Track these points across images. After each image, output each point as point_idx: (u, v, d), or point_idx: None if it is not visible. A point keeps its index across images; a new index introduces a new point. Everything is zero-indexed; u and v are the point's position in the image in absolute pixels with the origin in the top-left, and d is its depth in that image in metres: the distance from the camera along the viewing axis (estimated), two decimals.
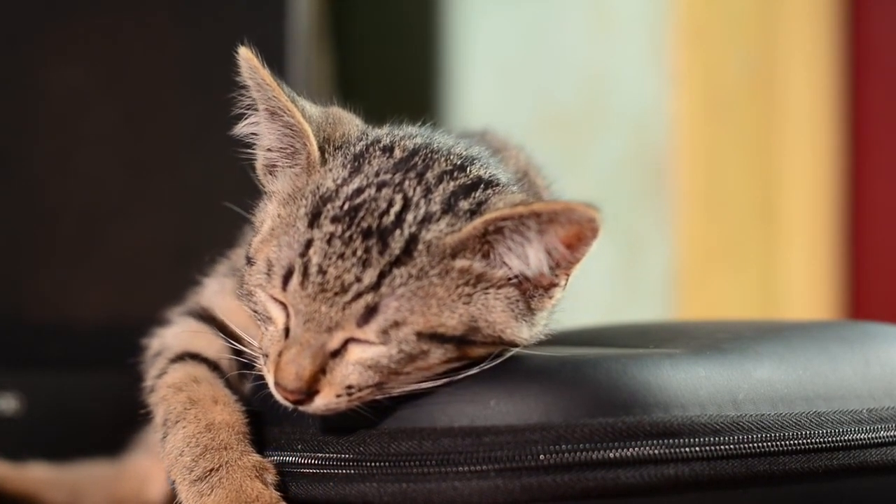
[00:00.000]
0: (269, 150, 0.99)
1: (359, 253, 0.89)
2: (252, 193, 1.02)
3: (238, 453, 0.95)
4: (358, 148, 0.97)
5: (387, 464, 0.91)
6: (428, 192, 0.93)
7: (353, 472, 0.92)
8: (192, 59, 1.68)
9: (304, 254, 0.90)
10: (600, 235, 0.89)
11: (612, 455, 0.88)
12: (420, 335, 0.89)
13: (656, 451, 0.89)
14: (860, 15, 2.47)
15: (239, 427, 0.97)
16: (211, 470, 0.94)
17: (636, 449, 0.89)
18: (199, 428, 0.96)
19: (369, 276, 0.89)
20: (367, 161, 0.95)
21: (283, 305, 0.92)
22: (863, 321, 1.19)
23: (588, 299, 2.27)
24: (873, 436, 0.98)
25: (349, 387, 0.90)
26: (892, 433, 0.99)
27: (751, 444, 0.92)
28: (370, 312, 0.89)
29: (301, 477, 0.94)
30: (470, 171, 0.96)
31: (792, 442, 0.94)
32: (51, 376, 1.67)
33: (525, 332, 0.94)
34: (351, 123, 1.01)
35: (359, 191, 0.92)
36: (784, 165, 2.37)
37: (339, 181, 0.94)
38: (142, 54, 1.73)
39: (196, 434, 0.96)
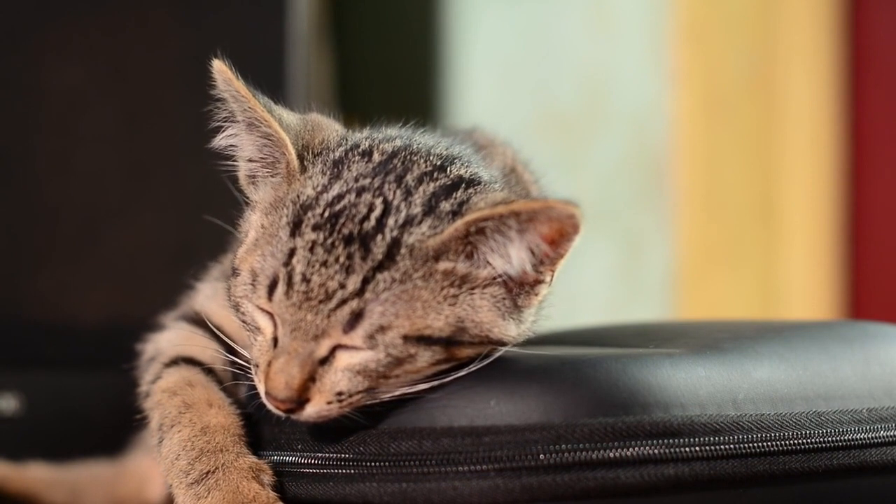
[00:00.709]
0: (249, 160, 0.99)
1: (341, 259, 0.89)
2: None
3: (234, 455, 0.95)
4: (337, 154, 0.97)
5: (387, 464, 0.91)
6: (408, 194, 0.92)
7: (352, 471, 0.92)
8: (192, 59, 1.68)
9: (287, 263, 0.90)
10: (582, 231, 0.89)
11: (612, 455, 0.88)
12: (407, 338, 0.89)
13: (656, 451, 0.89)
14: (860, 15, 2.47)
15: (234, 429, 0.97)
16: (207, 472, 0.94)
17: (636, 449, 0.89)
18: (195, 431, 0.96)
19: (353, 283, 0.89)
20: (346, 167, 0.95)
21: (270, 315, 0.92)
22: (863, 321, 1.19)
23: (588, 299, 2.28)
24: (873, 436, 0.98)
25: (339, 393, 0.90)
26: (892, 433, 0.99)
27: (751, 444, 0.92)
28: (356, 318, 0.89)
29: (301, 477, 0.94)
30: (450, 171, 0.96)
31: (792, 442, 0.94)
32: (51, 376, 1.67)
33: (513, 330, 0.94)
34: (330, 129, 1.01)
35: (339, 197, 0.92)
36: (784, 165, 2.37)
37: (318, 188, 0.94)
38: (142, 54, 1.73)
39: (191, 437, 0.96)
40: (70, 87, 1.70)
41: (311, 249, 0.90)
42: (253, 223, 0.97)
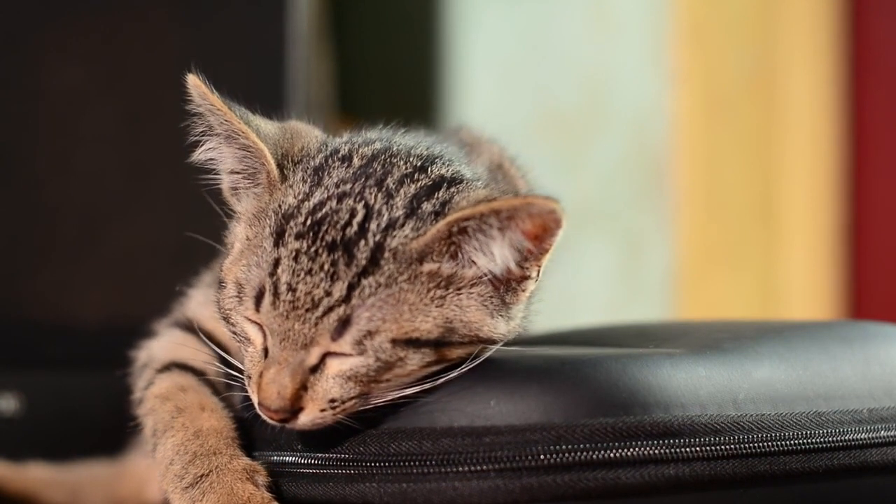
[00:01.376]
0: (231, 172, 0.99)
1: (326, 267, 0.89)
2: None
3: (227, 457, 0.95)
4: (318, 160, 0.97)
5: (387, 464, 0.91)
6: (389, 197, 0.92)
7: (352, 472, 0.92)
8: (192, 59, 1.68)
9: (273, 273, 0.90)
10: (564, 225, 0.89)
11: (612, 455, 0.88)
12: (395, 342, 0.89)
13: (656, 451, 0.89)
14: (860, 15, 2.47)
15: (227, 432, 0.97)
16: (201, 476, 0.94)
17: (636, 449, 0.89)
18: (188, 435, 0.96)
19: (338, 289, 0.89)
20: (326, 173, 0.95)
21: (259, 326, 0.92)
22: (863, 321, 1.19)
23: (588, 299, 2.28)
24: (873, 436, 0.98)
25: (332, 400, 0.90)
26: (892, 433, 0.98)
27: (751, 444, 0.92)
28: (343, 325, 0.89)
29: (301, 477, 0.94)
30: (431, 172, 0.95)
31: (792, 442, 0.94)
32: (51, 376, 1.67)
33: (502, 328, 0.94)
34: (310, 136, 1.01)
35: (320, 204, 0.92)
36: (784, 165, 2.37)
37: (300, 196, 0.94)
38: (142, 54, 1.73)
39: (185, 442, 0.96)
40: (70, 87, 1.70)
41: (296, 258, 0.90)
42: (238, 235, 0.97)
